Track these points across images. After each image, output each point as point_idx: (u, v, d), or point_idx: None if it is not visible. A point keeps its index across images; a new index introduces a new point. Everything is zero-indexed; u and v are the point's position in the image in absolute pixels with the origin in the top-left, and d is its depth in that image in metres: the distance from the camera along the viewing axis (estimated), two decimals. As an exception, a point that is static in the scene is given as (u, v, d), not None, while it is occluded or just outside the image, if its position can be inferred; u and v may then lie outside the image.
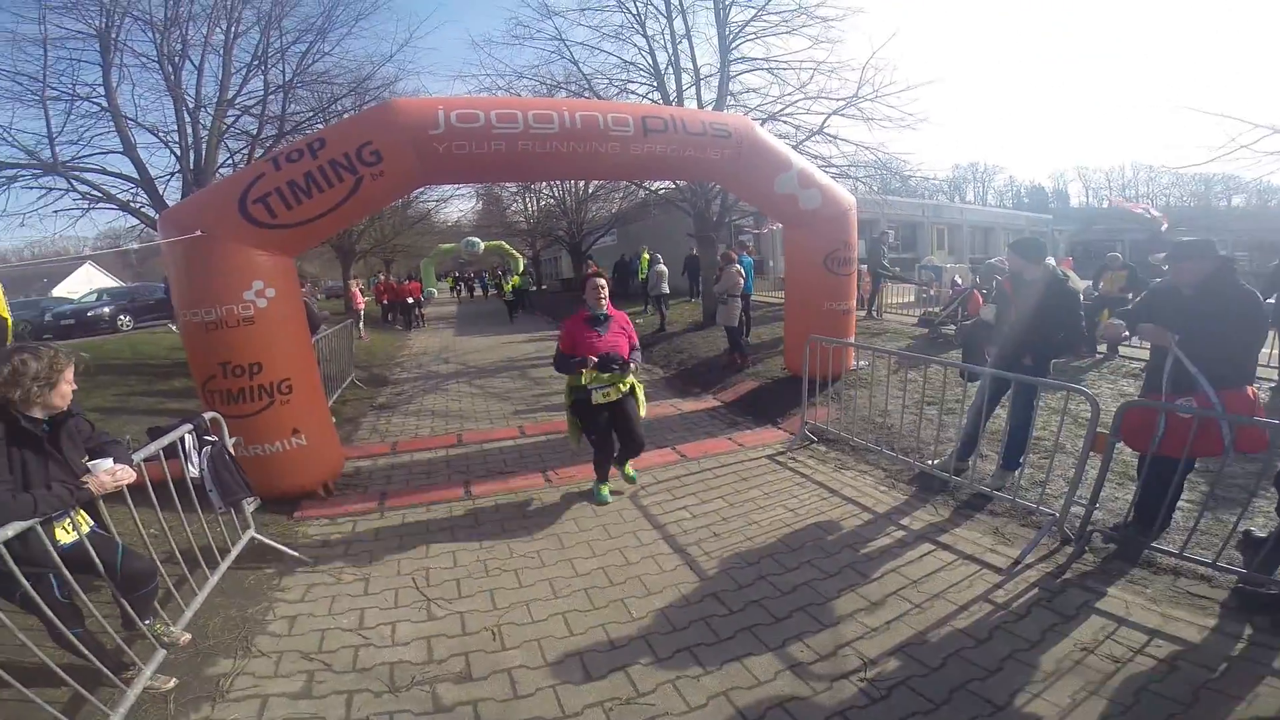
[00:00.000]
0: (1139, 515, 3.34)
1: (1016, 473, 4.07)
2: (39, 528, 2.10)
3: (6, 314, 4.50)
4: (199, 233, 4.16)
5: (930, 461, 4.56)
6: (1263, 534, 3.10)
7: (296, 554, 3.72)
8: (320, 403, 5.06)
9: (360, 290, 16.67)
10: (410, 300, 19.42)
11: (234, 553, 3.44)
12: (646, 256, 16.09)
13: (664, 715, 2.37)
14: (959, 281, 10.83)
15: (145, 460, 2.76)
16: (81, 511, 2.37)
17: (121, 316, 16.33)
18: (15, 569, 2.00)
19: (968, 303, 8.95)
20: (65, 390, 2.34)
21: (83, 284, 31.71)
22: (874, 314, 11.35)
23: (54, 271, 36.07)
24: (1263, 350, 4.15)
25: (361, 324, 14.63)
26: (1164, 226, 14.73)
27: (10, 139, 7.81)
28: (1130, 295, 7.22)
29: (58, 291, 29.78)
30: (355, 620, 3.10)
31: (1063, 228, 36.34)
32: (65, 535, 2.30)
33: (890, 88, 9.79)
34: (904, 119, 9.88)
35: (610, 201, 22.12)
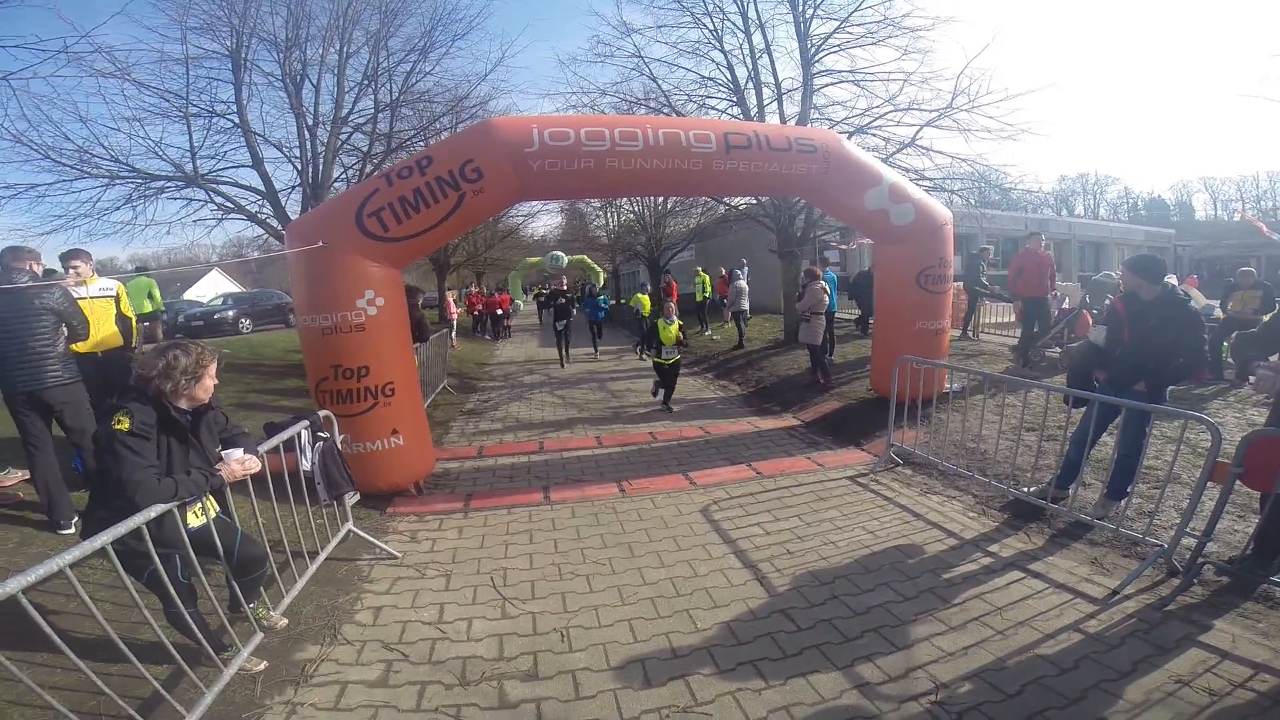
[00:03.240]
0: (1259, 547, 3.05)
1: (1122, 502, 3.79)
2: (175, 511, 2.33)
3: (130, 313, 5.01)
4: (321, 244, 4.52)
5: (1026, 489, 4.30)
6: None
7: (388, 548, 3.95)
8: (418, 406, 5.35)
9: (454, 301, 17.53)
10: (499, 312, 20.24)
11: (333, 544, 3.69)
12: (705, 276, 15.99)
13: (720, 726, 2.35)
14: (1065, 304, 10.05)
15: (265, 453, 3.01)
16: (210, 497, 2.63)
17: (243, 320, 17.85)
18: (152, 549, 2.20)
19: (1075, 324, 8.33)
20: (208, 384, 2.58)
21: (210, 289, 35.12)
22: (970, 334, 10.74)
23: (187, 276, 40.15)
24: None
25: (454, 333, 15.37)
26: None
27: (161, 153, 8.80)
28: (1265, 318, 6.51)
29: (189, 295, 32.87)
30: (435, 614, 3.26)
31: (1186, 243, 33.19)
32: (195, 519, 2.53)
33: (987, 97, 9.32)
34: (1004, 129, 9.37)
35: (689, 216, 22.10)
